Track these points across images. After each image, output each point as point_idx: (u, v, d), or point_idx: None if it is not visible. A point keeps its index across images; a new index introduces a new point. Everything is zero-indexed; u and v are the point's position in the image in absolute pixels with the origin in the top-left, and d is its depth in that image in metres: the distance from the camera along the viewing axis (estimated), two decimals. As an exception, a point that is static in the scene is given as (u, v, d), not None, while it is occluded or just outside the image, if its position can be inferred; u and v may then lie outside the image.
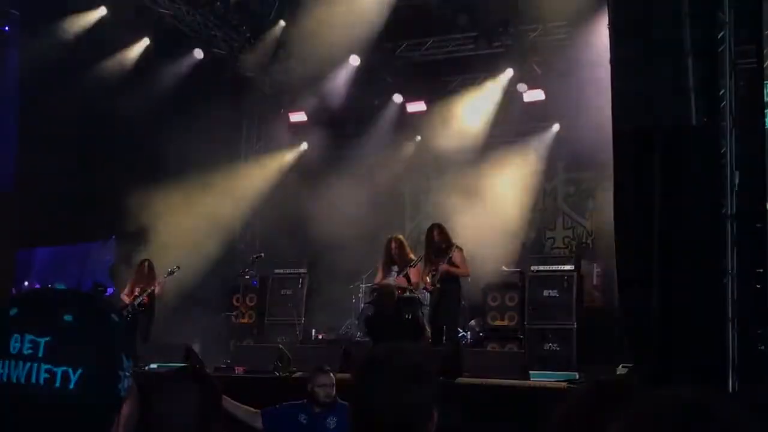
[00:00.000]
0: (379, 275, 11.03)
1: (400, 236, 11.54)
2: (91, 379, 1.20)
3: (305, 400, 6.53)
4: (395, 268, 10.81)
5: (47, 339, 1.18)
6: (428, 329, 8.86)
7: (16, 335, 1.18)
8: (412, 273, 10.65)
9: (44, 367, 1.17)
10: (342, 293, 14.02)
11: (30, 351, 1.17)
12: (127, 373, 1.27)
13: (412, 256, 11.05)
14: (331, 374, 6.52)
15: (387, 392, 2.16)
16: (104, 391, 1.22)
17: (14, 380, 1.16)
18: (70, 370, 1.18)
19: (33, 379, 1.16)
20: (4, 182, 12.89)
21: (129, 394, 1.27)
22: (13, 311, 1.21)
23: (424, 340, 8.66)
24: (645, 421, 1.07)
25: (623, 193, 8.30)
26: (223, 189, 15.04)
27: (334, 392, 6.38)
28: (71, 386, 1.18)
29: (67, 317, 1.20)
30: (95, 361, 1.21)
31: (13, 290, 13.06)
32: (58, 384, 1.17)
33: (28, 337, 1.17)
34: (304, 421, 6.41)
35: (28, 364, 1.17)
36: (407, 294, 9.44)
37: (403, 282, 10.57)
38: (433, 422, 2.23)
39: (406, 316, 8.46)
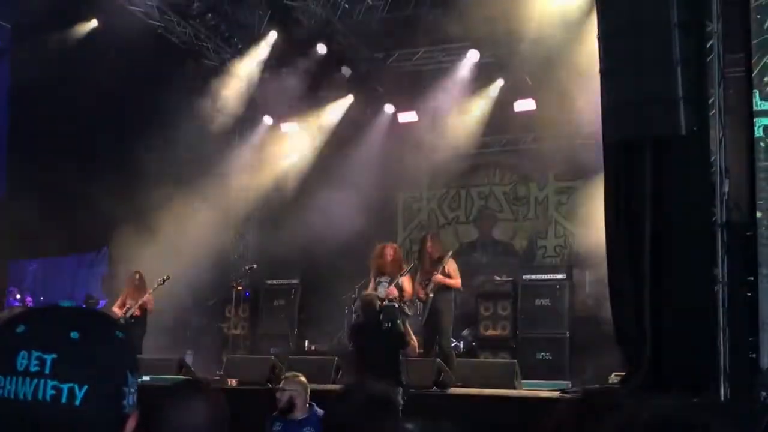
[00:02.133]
0: (371, 285, 10.98)
1: (395, 244, 11.48)
2: (97, 395, 1.21)
3: None
4: (384, 278, 10.72)
5: (54, 356, 1.19)
6: (413, 337, 8.97)
7: (23, 352, 1.19)
8: (406, 283, 10.62)
9: (51, 383, 1.18)
10: (334, 304, 14.00)
11: (37, 368, 1.18)
12: (132, 390, 1.28)
13: (404, 265, 11.01)
14: (296, 380, 6.51)
15: (352, 422, 2.24)
16: (109, 408, 1.24)
17: (21, 397, 1.17)
18: (77, 387, 1.19)
19: (40, 396, 1.18)
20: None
21: (133, 410, 1.28)
22: (20, 328, 1.22)
23: (411, 349, 8.71)
24: (626, 430, 1.08)
25: (614, 202, 8.34)
26: (214, 200, 15.03)
27: (288, 398, 6.35)
28: (77, 403, 1.19)
29: (74, 334, 1.21)
30: (101, 378, 1.22)
31: (8, 300, 13.03)
32: (64, 400, 1.18)
33: (35, 354, 1.19)
34: (278, 429, 6.44)
35: (35, 381, 1.18)
36: (386, 303, 9.55)
37: (394, 292, 10.53)
38: None
39: (386, 325, 8.59)
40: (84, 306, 1.55)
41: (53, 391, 1.18)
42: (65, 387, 1.18)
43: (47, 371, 1.18)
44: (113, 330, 1.29)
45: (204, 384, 3.00)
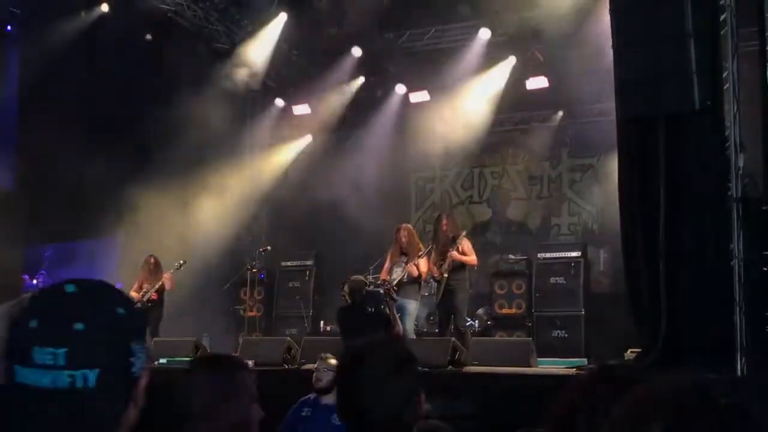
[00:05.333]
0: (387, 265, 11.02)
1: (410, 225, 11.52)
2: (108, 373, 1.37)
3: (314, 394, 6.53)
4: (404, 258, 10.79)
5: (65, 349, 1.35)
6: (398, 322, 9.12)
7: (37, 348, 1.35)
8: (422, 263, 10.64)
9: (66, 372, 1.35)
10: (349, 284, 14.00)
11: (52, 361, 1.34)
12: (139, 355, 1.44)
13: (421, 246, 11.04)
14: (330, 360, 6.43)
15: (369, 387, 2.18)
16: (120, 380, 1.40)
17: (42, 385, 1.35)
18: (88, 371, 1.36)
19: (59, 384, 1.34)
20: (5, 180, 12.93)
21: (142, 370, 1.45)
22: (33, 323, 1.38)
23: (396, 333, 8.83)
24: (644, 404, 1.08)
25: (628, 178, 8.29)
26: (228, 183, 15.06)
27: (332, 378, 6.18)
28: (91, 384, 1.36)
29: (79, 326, 1.37)
30: (109, 359, 1.38)
31: (26, 285, 13.10)
32: (80, 385, 1.35)
33: (48, 349, 1.35)
34: (307, 414, 6.39)
35: (52, 372, 1.35)
36: (372, 288, 9.67)
37: (414, 271, 10.56)
38: (421, 405, 2.25)
39: (369, 309, 8.71)
40: (85, 284, 1.58)
41: (69, 379, 1.35)
42: (79, 373, 1.35)
43: (61, 363, 1.35)
44: (114, 309, 1.44)
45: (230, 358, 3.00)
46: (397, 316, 10.56)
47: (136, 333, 1.45)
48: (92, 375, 1.35)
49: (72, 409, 1.35)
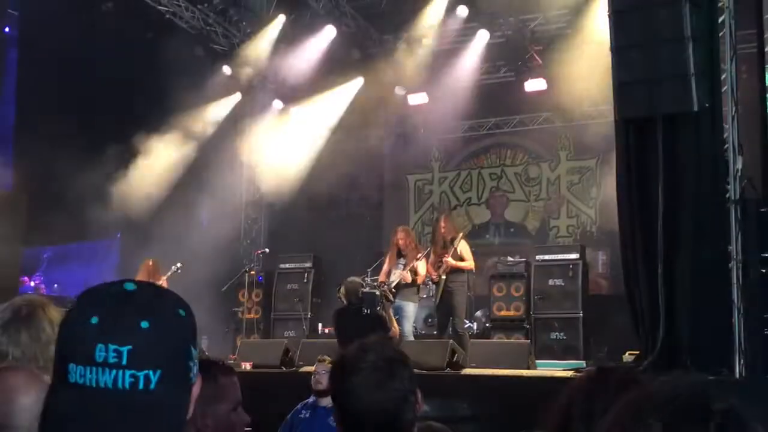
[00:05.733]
0: (386, 267, 11.00)
1: (407, 226, 11.50)
2: (170, 376, 1.33)
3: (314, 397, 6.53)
4: (402, 260, 10.77)
5: (129, 347, 1.30)
6: (394, 323, 9.12)
7: (100, 345, 1.30)
8: (421, 265, 10.62)
9: (128, 372, 1.30)
10: (347, 286, 13.97)
11: (115, 360, 1.29)
12: (195, 360, 1.40)
13: (419, 247, 11.02)
14: (328, 363, 6.37)
15: (364, 393, 2.17)
16: (180, 384, 1.36)
17: (102, 385, 1.29)
18: (151, 373, 1.31)
19: (119, 385, 1.29)
20: (3, 181, 12.92)
21: (197, 377, 1.41)
22: (94, 320, 1.32)
23: (392, 334, 8.85)
24: (642, 406, 1.07)
25: (626, 180, 8.29)
26: (226, 184, 15.04)
27: (327, 381, 6.24)
28: (153, 386, 1.31)
29: (144, 324, 1.32)
30: (171, 361, 1.34)
31: (23, 287, 13.07)
32: (141, 386, 1.30)
33: (112, 346, 1.30)
34: (306, 416, 6.38)
35: (114, 371, 1.29)
36: (368, 290, 9.68)
37: (407, 278, 10.53)
38: (418, 403, 2.24)
39: (366, 311, 8.71)
40: (142, 284, 1.57)
41: (131, 379, 1.30)
42: (142, 374, 1.30)
43: (124, 362, 1.29)
44: (176, 309, 1.40)
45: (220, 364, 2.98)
46: (395, 318, 10.55)
47: (194, 336, 1.42)
48: (154, 377, 1.31)
49: (132, 413, 1.30)
